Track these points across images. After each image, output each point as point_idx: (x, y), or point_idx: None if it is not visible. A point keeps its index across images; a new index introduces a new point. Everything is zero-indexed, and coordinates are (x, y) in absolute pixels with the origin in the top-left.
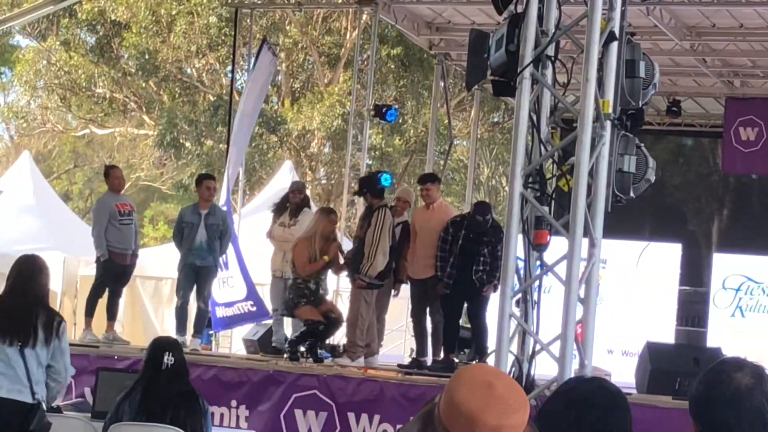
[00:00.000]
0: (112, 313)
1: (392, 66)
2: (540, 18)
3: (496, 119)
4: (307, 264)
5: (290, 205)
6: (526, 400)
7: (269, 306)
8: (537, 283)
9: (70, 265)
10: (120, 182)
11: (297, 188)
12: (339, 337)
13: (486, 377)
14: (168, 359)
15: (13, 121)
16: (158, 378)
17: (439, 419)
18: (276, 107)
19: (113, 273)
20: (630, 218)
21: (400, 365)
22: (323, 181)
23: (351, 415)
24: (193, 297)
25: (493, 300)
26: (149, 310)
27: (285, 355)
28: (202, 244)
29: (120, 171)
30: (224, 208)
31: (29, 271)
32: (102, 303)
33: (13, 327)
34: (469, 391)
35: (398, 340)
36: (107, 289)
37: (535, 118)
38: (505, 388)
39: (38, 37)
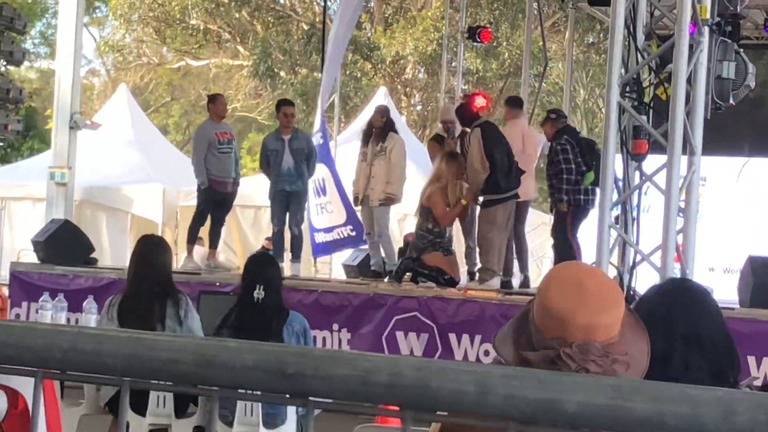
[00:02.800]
0: (214, 241)
1: None
2: None
3: (591, 40)
4: (446, 212)
5: (374, 129)
6: (620, 297)
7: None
8: (636, 193)
9: (170, 196)
10: (223, 109)
11: (379, 112)
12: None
13: (577, 276)
14: (258, 293)
15: (110, 55)
16: (251, 309)
17: (533, 321)
18: (369, 33)
19: (214, 201)
20: (729, 135)
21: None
22: (419, 107)
23: (452, 336)
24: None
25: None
26: (250, 238)
27: (386, 279)
28: (290, 169)
29: (224, 99)
30: (320, 134)
31: (147, 255)
32: (205, 231)
33: (137, 317)
34: (560, 291)
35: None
36: (209, 217)
37: (631, 27)
38: (596, 287)
39: None
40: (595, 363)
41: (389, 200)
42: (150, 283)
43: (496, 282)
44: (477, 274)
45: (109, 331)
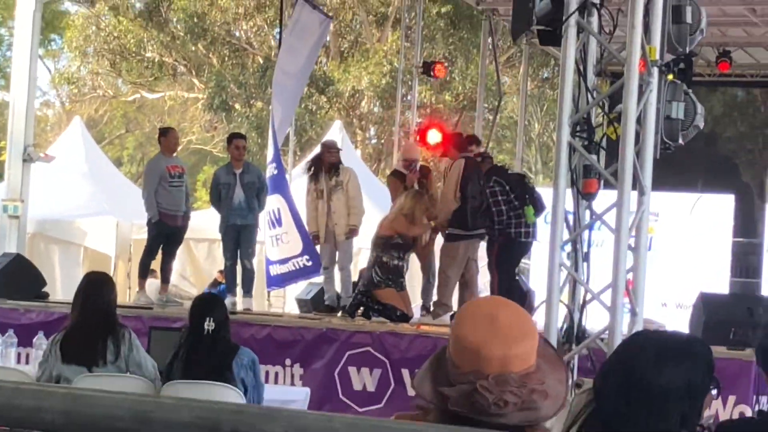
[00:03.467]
0: (166, 276)
1: (441, 24)
2: None
3: (545, 75)
4: (410, 227)
5: (327, 165)
6: (533, 328)
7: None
8: (587, 232)
9: (123, 229)
10: (175, 143)
11: (333, 146)
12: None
13: (489, 309)
14: (209, 325)
15: (65, 88)
16: (201, 341)
17: (449, 357)
18: (324, 68)
19: (164, 234)
20: (682, 171)
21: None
22: (373, 141)
23: (405, 372)
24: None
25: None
26: (204, 271)
27: (338, 313)
28: (241, 203)
29: (176, 133)
30: (274, 165)
31: (92, 290)
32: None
33: (79, 352)
34: (472, 324)
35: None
36: (162, 252)
37: (581, 66)
38: (508, 318)
39: (87, 3)
40: (513, 393)
41: (353, 232)
42: (92, 319)
43: (448, 318)
44: (431, 309)
45: (48, 386)
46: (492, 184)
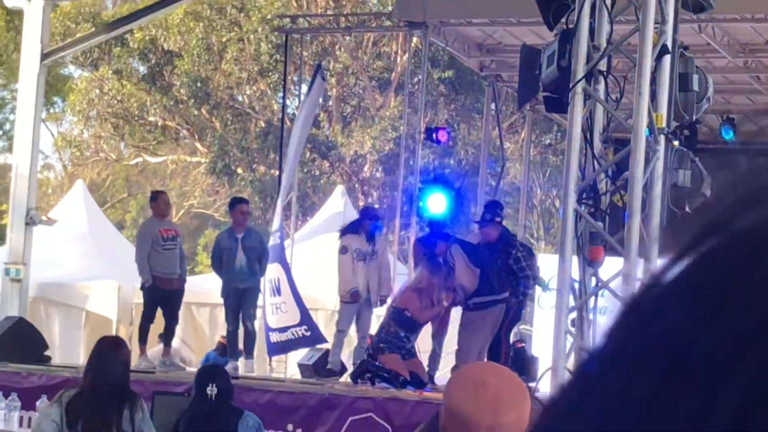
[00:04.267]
0: (168, 340)
1: (443, 89)
2: (591, 33)
3: (548, 141)
4: (423, 310)
5: (363, 231)
6: (524, 395)
7: (324, 330)
8: (593, 300)
9: (125, 293)
10: (165, 207)
11: (376, 214)
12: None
13: (480, 376)
14: (211, 390)
15: (67, 151)
16: (203, 406)
17: (442, 423)
18: (327, 132)
19: (160, 298)
20: (685, 237)
21: None
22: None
23: None
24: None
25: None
26: (206, 335)
27: (341, 378)
28: (243, 267)
29: (167, 196)
30: (278, 234)
31: (106, 355)
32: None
33: (89, 419)
34: (462, 392)
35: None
36: (163, 316)
37: (588, 133)
38: (498, 385)
39: (90, 67)
40: None
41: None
42: (107, 385)
43: None
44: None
45: None
46: (521, 249)
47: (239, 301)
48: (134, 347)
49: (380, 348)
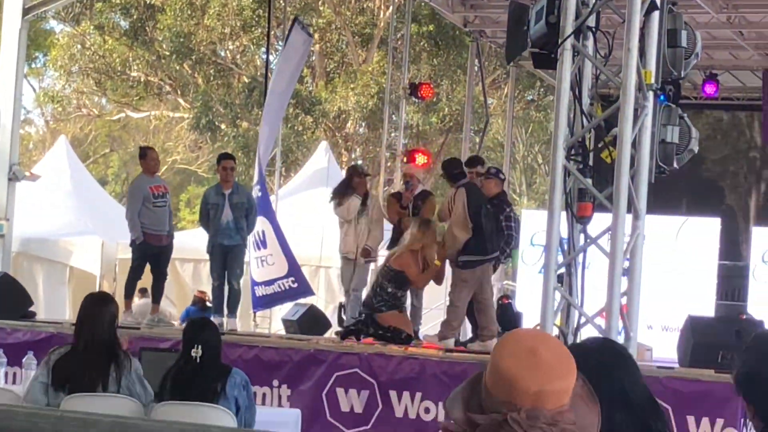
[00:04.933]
0: (157, 296)
1: (426, 44)
2: None
3: (531, 97)
4: (420, 275)
5: (352, 189)
6: (572, 367)
7: (313, 284)
8: (581, 256)
9: (108, 248)
10: (155, 164)
11: (365, 173)
12: None
13: (531, 342)
14: (196, 352)
15: (49, 106)
16: (191, 362)
17: (484, 383)
18: (311, 88)
19: (150, 255)
20: (667, 194)
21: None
22: (359, 162)
23: (393, 393)
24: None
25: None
26: (190, 291)
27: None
28: (229, 223)
29: (155, 153)
30: (258, 187)
31: (94, 313)
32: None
33: (76, 378)
34: (512, 356)
35: (437, 318)
36: (151, 273)
37: (576, 90)
38: (549, 354)
39: (72, 22)
40: (542, 430)
41: (367, 253)
42: (96, 342)
43: (452, 342)
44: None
45: (42, 409)
46: (509, 210)
47: (224, 257)
48: (119, 303)
49: (376, 307)
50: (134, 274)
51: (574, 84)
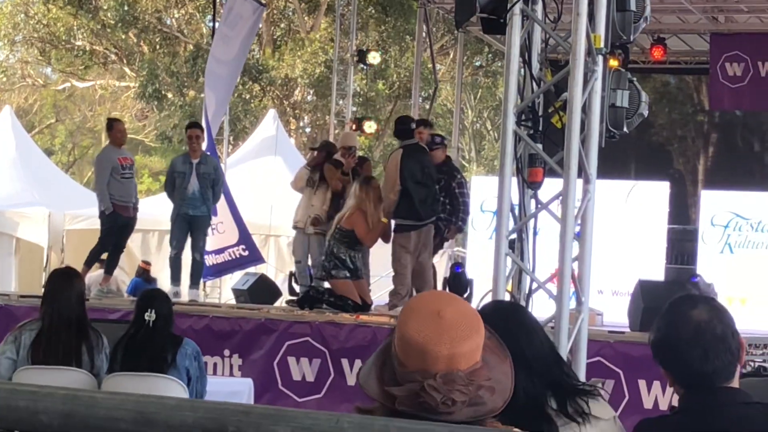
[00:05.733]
0: (111, 267)
1: (373, 11)
2: None
3: (479, 63)
4: (368, 233)
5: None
6: (479, 323)
7: (263, 253)
8: (532, 222)
9: (56, 219)
10: (122, 135)
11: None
12: None
13: (435, 305)
14: (150, 316)
15: None
16: (140, 332)
17: (395, 355)
18: (257, 56)
19: (118, 226)
20: (616, 158)
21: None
22: (307, 130)
23: (344, 362)
24: (188, 247)
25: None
26: (137, 262)
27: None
28: (195, 193)
29: (122, 124)
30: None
31: (60, 289)
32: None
33: (50, 356)
34: (418, 322)
35: (387, 286)
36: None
37: (526, 55)
38: (454, 315)
39: None
40: (461, 392)
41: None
42: (64, 319)
43: None
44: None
45: (46, 388)
46: (459, 176)
47: (188, 227)
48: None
49: (329, 273)
50: (102, 244)
51: (523, 49)
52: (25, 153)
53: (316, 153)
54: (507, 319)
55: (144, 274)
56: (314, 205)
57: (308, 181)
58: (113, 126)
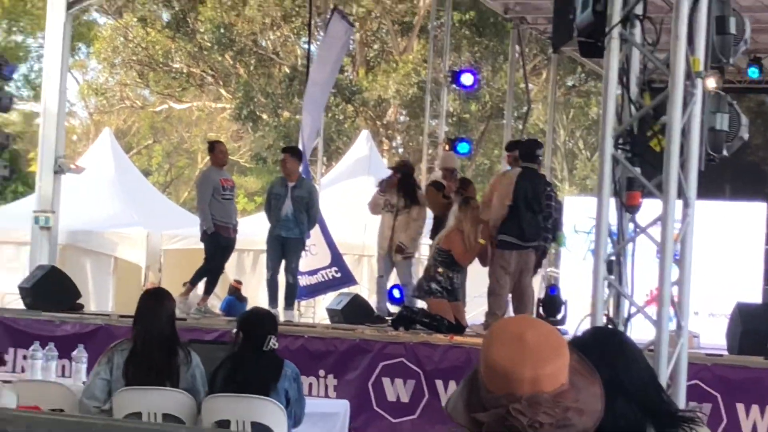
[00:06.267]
0: (209, 288)
1: (466, 32)
2: None
3: (571, 83)
4: (465, 253)
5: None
6: (563, 345)
7: (356, 273)
8: (631, 245)
9: (154, 239)
10: (223, 157)
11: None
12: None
13: (516, 329)
14: (273, 344)
15: (92, 98)
16: (252, 356)
17: (481, 380)
18: (351, 77)
19: (221, 246)
20: (711, 179)
21: None
22: (400, 150)
23: (439, 383)
24: (282, 268)
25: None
26: (230, 281)
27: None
28: (288, 215)
29: (224, 146)
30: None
31: (152, 308)
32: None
33: (142, 375)
34: (501, 346)
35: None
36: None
37: (624, 78)
38: (536, 338)
39: (115, 14)
40: (547, 414)
41: (400, 250)
42: (155, 339)
43: None
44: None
45: (87, 417)
46: (549, 189)
47: (282, 249)
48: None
49: (426, 291)
50: (208, 264)
51: (621, 72)
52: (124, 174)
53: (392, 174)
54: (605, 346)
55: (236, 292)
56: (396, 232)
57: (387, 206)
58: (215, 147)
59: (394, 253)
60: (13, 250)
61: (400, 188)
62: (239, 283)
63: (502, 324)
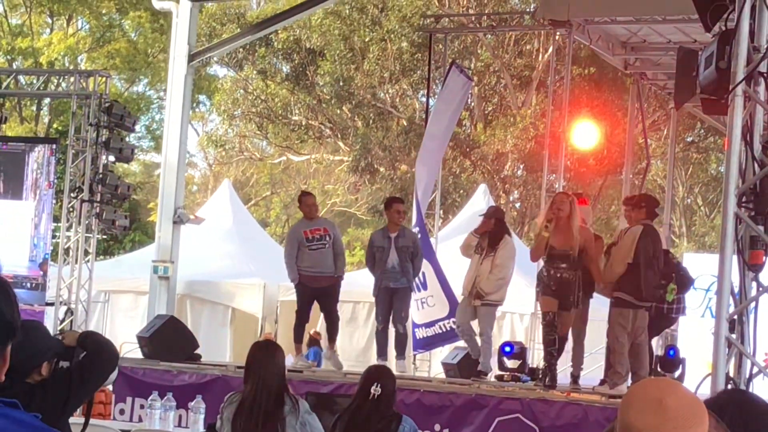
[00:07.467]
0: (331, 336)
1: (585, 86)
2: (751, 34)
3: (690, 138)
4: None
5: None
6: (702, 412)
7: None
8: (753, 304)
9: (270, 290)
10: (309, 209)
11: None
12: (538, 360)
13: (657, 393)
14: (375, 390)
15: (212, 150)
16: (363, 406)
17: None
18: (469, 130)
19: (309, 296)
20: None
21: None
22: (518, 204)
23: None
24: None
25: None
26: (346, 333)
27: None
28: (395, 266)
29: (311, 198)
30: (416, 230)
31: (259, 362)
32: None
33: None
34: (640, 410)
35: (598, 362)
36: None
37: (747, 136)
38: (677, 404)
39: (235, 67)
40: None
41: (478, 296)
42: (266, 392)
43: (624, 387)
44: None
45: None
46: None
47: (390, 300)
48: (280, 343)
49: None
50: (299, 316)
51: (744, 130)
52: (242, 225)
53: (484, 219)
54: (738, 408)
55: (317, 343)
56: (480, 274)
57: (477, 248)
58: (301, 200)
59: (474, 298)
60: (131, 299)
61: (491, 232)
62: (318, 334)
63: (641, 386)
